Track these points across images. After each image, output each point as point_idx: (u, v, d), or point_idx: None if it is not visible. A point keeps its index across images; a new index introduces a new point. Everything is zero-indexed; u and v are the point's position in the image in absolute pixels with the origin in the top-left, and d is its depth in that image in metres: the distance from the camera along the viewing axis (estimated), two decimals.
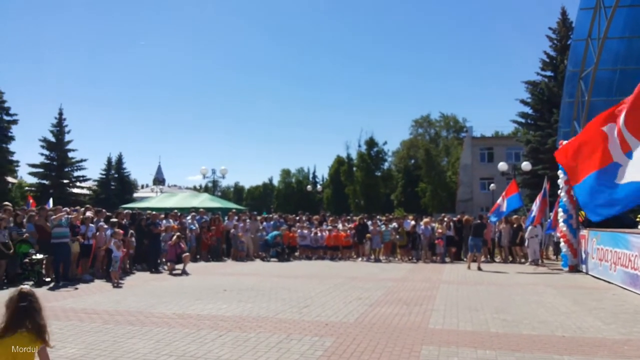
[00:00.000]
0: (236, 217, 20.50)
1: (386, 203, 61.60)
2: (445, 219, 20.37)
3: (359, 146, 61.74)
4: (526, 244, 17.69)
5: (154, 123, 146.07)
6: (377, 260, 19.16)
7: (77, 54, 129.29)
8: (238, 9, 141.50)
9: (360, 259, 19.60)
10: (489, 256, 19.10)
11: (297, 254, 20.20)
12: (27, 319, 3.12)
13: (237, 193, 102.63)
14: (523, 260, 18.33)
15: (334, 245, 19.95)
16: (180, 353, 6.19)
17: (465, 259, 18.24)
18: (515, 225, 18.61)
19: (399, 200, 64.73)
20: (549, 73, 35.86)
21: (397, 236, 19.51)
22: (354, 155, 63.12)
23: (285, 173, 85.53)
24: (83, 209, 15.70)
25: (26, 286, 3.28)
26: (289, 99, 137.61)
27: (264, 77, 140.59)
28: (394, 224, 19.97)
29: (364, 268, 16.73)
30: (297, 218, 22.38)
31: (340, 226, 20.99)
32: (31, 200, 21.96)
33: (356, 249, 20.18)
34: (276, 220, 21.85)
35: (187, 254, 15.70)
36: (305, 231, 20.32)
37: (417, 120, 74.87)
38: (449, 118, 74.05)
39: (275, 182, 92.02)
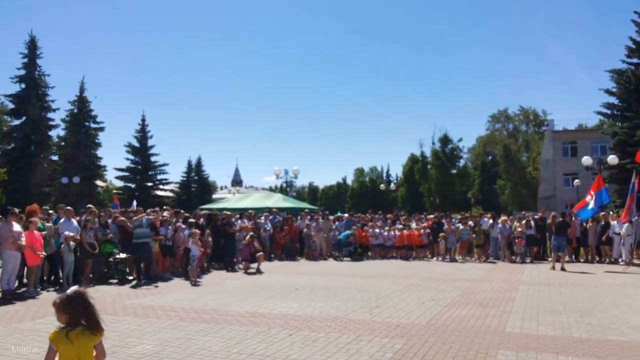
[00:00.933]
0: (309, 217, 20.64)
1: (462, 201, 60.00)
2: (526, 217, 19.45)
3: (433, 144, 60.61)
4: (621, 242, 16.41)
5: (232, 126, 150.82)
6: (453, 260, 18.61)
7: (157, 61, 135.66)
8: (310, 10, 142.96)
9: (434, 258, 19.13)
10: (573, 256, 18.05)
11: (369, 253, 20.02)
12: (83, 316, 3.23)
13: (311, 193, 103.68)
14: (612, 259, 17.15)
15: (407, 245, 19.60)
16: (249, 351, 6.26)
17: (548, 259, 17.31)
18: (602, 223, 17.45)
19: (476, 198, 62.90)
20: (635, 60, 33.39)
21: (474, 235, 18.87)
22: (428, 153, 62.08)
23: (359, 172, 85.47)
24: (162, 210, 16.35)
25: (76, 286, 3.39)
26: (361, 98, 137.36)
27: (337, 77, 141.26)
28: (470, 223, 19.32)
29: (439, 268, 16.30)
30: (370, 217, 22.17)
31: (413, 225, 20.58)
32: (117, 202, 23.08)
33: (430, 249, 19.72)
34: (348, 219, 21.76)
35: (261, 253, 15.98)
36: (378, 230, 20.11)
37: (494, 115, 72.24)
38: (529, 111, 70.81)
39: (349, 181, 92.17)
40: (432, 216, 21.83)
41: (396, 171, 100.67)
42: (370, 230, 20.01)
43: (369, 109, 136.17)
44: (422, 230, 19.70)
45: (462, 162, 64.57)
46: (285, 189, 38.04)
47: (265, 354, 6.16)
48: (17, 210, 11.15)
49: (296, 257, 19.51)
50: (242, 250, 16.02)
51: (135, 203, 19.47)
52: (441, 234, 18.94)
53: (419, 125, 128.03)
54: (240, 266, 15.77)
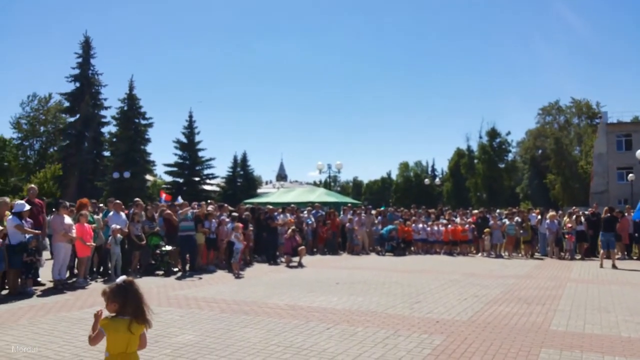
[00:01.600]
0: (351, 211, 20.61)
1: (511, 196, 58.53)
2: (576, 212, 18.80)
3: (480, 137, 59.31)
4: None
5: (277, 121, 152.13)
6: (499, 256, 18.21)
7: (204, 57, 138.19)
8: (351, 2, 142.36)
9: (479, 254, 18.76)
10: (626, 253, 17.32)
11: (412, 248, 19.83)
12: (132, 305, 3.33)
13: (355, 188, 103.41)
14: None
15: (451, 240, 19.31)
16: (287, 344, 6.31)
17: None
18: None
19: (525, 193, 61.26)
20: None
21: (521, 231, 18.38)
22: (474, 147, 60.80)
23: (404, 166, 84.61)
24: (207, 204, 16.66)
25: (125, 276, 3.50)
26: (406, 91, 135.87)
27: (381, 69, 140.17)
28: (517, 218, 18.83)
29: (483, 264, 15.97)
30: (413, 212, 21.95)
31: (458, 220, 20.23)
32: (164, 195, 23.50)
33: (475, 244, 19.36)
34: (391, 213, 21.60)
35: (303, 247, 16.09)
36: (421, 225, 19.88)
37: (544, 107, 70.01)
38: (581, 103, 68.21)
39: (394, 176, 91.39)
40: (476, 211, 21.38)
41: (442, 165, 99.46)
42: (413, 225, 19.80)
43: (414, 102, 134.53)
44: (466, 226, 19.35)
45: (510, 156, 62.98)
46: (329, 184, 38.02)
47: (303, 346, 6.20)
48: (68, 203, 11.62)
49: (338, 251, 19.53)
50: (284, 244, 16.17)
51: (180, 197, 19.89)
52: (486, 230, 18.55)
53: (465, 118, 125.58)
54: (283, 259, 15.92)
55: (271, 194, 35.89)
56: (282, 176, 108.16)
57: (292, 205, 20.65)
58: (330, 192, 32.05)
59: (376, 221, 20.61)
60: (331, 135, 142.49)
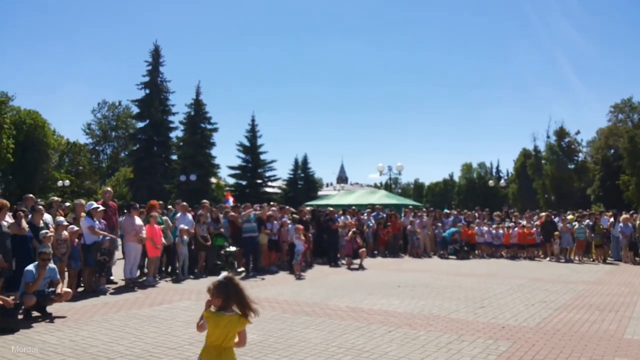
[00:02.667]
0: (412, 214, 20.37)
1: (581, 198, 55.86)
2: None
3: (548, 137, 57.00)
4: None
5: (337, 123, 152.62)
6: (568, 260, 17.45)
7: (266, 61, 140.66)
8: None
9: (547, 258, 18.05)
10: None
11: (476, 251, 19.34)
12: (234, 301, 3.47)
13: (416, 190, 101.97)
14: None
15: (517, 244, 18.69)
16: (348, 345, 6.33)
17: None
18: None
19: (596, 195, 58.33)
20: None
21: (592, 234, 17.54)
22: (542, 147, 58.51)
23: (467, 168, 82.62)
24: (269, 206, 16.97)
25: (226, 273, 3.62)
26: (468, 90, 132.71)
27: (443, 67, 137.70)
28: (588, 221, 17.99)
29: (552, 269, 15.36)
30: (477, 214, 21.42)
31: (524, 223, 19.56)
32: (231, 198, 23.81)
33: (543, 248, 18.63)
34: (454, 216, 21.18)
35: (364, 249, 16.08)
36: (485, 228, 19.37)
37: (616, 104, 66.36)
38: None
39: (456, 177, 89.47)
40: (544, 214, 20.59)
41: (507, 167, 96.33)
42: (477, 227, 19.32)
43: (477, 101, 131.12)
44: (533, 229, 18.67)
45: (580, 156, 60.21)
46: (390, 186, 37.75)
47: (364, 349, 6.20)
48: (138, 205, 12.17)
49: (399, 254, 19.35)
50: (344, 246, 16.21)
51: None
52: (555, 233, 17.81)
53: (531, 118, 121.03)
54: (343, 262, 15.96)
55: (332, 196, 36.05)
56: (342, 178, 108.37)
57: (353, 207, 20.67)
58: (391, 194, 31.82)
59: (439, 223, 20.24)
60: (392, 137, 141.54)
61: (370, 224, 19.05)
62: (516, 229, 18.86)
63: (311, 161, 67.58)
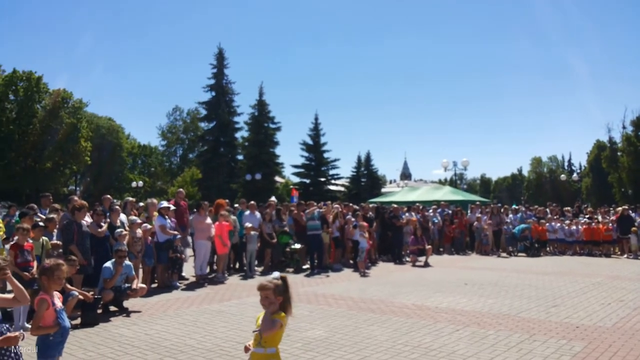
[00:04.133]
0: (479, 210, 19.86)
1: None
2: None
3: (624, 127, 53.81)
4: None
5: (400, 119, 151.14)
6: None
7: (328, 61, 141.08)
8: None
9: (624, 255, 17.08)
10: None
11: (548, 248, 18.59)
12: (289, 300, 3.56)
13: (483, 185, 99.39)
14: None
15: (591, 240, 17.81)
16: (415, 343, 6.27)
17: None
18: None
19: None
20: None
21: None
22: (617, 139, 55.37)
23: (536, 162, 79.59)
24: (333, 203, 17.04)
25: (278, 272, 3.68)
26: (537, 79, 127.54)
27: (510, 60, 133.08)
28: None
29: (630, 266, 14.53)
30: (547, 210, 20.56)
31: (599, 218, 18.60)
32: (296, 195, 23.84)
33: (619, 245, 17.65)
34: (524, 212, 20.45)
35: (429, 246, 15.85)
36: (557, 224, 18.57)
37: None
38: None
39: (525, 172, 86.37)
40: (620, 208, 19.49)
41: (579, 160, 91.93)
42: (548, 224, 18.56)
43: (547, 90, 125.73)
44: (609, 224, 17.73)
45: None
46: (455, 182, 36.98)
47: (431, 347, 6.13)
48: (207, 204, 12.59)
49: (466, 251, 18.92)
50: (409, 243, 16.03)
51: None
52: (633, 229, 16.84)
53: (605, 108, 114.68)
54: (408, 259, 15.80)
55: (395, 192, 35.74)
56: (406, 175, 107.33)
57: (417, 204, 20.39)
58: (457, 190, 31.14)
59: (507, 220, 19.61)
60: (456, 132, 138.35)
61: (436, 221, 18.73)
62: (592, 224, 17.97)
63: (374, 158, 67.58)
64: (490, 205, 23.21)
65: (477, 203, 22.59)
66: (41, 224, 8.70)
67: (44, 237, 8.46)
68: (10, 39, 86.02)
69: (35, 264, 7.54)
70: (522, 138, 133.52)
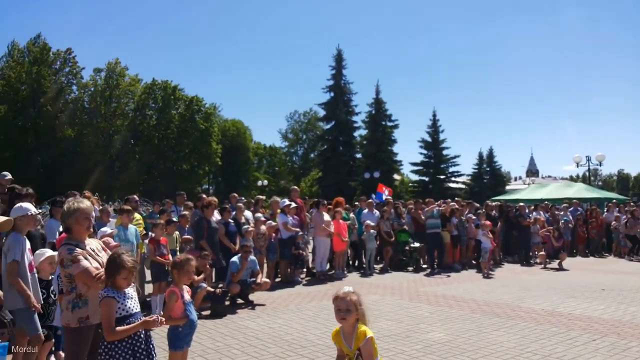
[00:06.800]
0: (617, 209, 18.13)
1: None
2: None
3: None
4: None
5: (525, 112, 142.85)
6: None
7: (446, 57, 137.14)
8: None
9: None
10: None
11: None
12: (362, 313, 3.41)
13: (620, 182, 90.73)
14: None
15: None
16: (546, 352, 5.86)
17: None
18: None
19: None
20: None
21: None
22: None
23: None
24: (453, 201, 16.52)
25: (350, 287, 3.47)
26: None
27: None
28: None
29: None
30: None
31: None
32: (385, 192, 21.35)
33: None
34: None
35: (564, 252, 14.72)
36: None
37: None
38: None
39: None
40: None
41: None
42: None
43: None
44: None
45: None
46: (589, 178, 34.06)
47: (564, 357, 5.69)
48: (325, 201, 12.81)
49: (603, 253, 17.37)
50: (538, 244, 15.06)
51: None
52: None
53: None
54: (536, 260, 14.85)
55: (521, 190, 33.74)
56: (532, 171, 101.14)
57: (546, 202, 19.09)
58: (591, 187, 28.69)
59: None
60: (588, 124, 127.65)
61: (567, 220, 17.39)
62: None
63: (497, 154, 64.41)
64: (630, 203, 21.10)
65: (614, 201, 20.61)
66: (175, 219, 9.44)
67: (176, 232, 9.16)
68: (145, 49, 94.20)
69: (170, 257, 8.16)
70: None
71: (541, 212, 16.85)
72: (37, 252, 5.38)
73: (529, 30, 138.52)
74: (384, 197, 17.23)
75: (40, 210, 8.27)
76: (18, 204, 5.19)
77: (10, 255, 4.73)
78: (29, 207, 5.13)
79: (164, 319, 3.81)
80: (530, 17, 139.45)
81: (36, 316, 4.80)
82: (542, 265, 14.07)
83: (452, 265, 13.63)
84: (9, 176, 9.28)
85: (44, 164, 43.94)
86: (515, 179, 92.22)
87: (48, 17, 78.44)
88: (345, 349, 3.38)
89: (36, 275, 5.03)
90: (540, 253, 14.59)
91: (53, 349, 5.54)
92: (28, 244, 4.97)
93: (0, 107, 43.41)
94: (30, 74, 43.47)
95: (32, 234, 5.55)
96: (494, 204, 17.46)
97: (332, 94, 49.92)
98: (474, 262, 14.15)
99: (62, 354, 5.23)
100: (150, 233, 8.92)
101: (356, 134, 51.21)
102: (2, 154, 41.28)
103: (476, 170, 57.14)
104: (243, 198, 15.87)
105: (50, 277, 5.37)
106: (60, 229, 6.20)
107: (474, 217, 14.60)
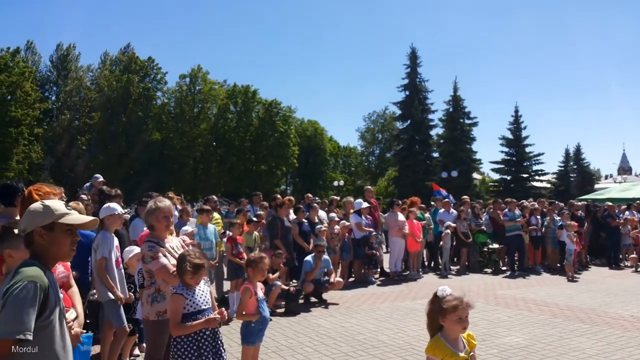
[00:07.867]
0: None
1: None
2: None
3: None
4: None
5: (616, 106, 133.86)
6: None
7: (530, 52, 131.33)
8: None
9: None
10: None
11: None
12: None
13: None
14: None
15: None
16: None
17: None
18: None
19: None
20: None
21: None
22: None
23: None
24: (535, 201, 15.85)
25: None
26: None
27: None
28: None
29: None
30: None
31: None
32: (442, 190, 20.56)
33: None
34: None
35: None
36: None
37: None
38: None
39: None
40: None
41: None
42: None
43: None
44: None
45: None
46: None
47: None
48: (400, 201, 12.72)
49: None
50: (630, 246, 14.12)
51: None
52: None
53: None
54: (627, 263, 13.93)
55: (611, 189, 31.70)
56: (624, 169, 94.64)
57: (638, 201, 17.85)
58: None
59: None
60: None
61: None
62: None
63: (585, 151, 60.85)
64: None
65: None
66: (254, 219, 9.76)
67: (255, 232, 9.44)
68: (222, 55, 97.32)
69: (245, 255, 8.43)
70: None
71: (634, 212, 15.78)
72: (126, 249, 5.79)
73: (619, 19, 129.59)
74: (443, 193, 16.82)
75: (126, 210, 8.84)
76: (106, 204, 5.60)
77: (99, 252, 5.12)
78: (116, 207, 5.52)
79: (226, 315, 3.94)
80: (619, 3, 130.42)
81: (122, 310, 5.16)
82: (634, 269, 13.20)
83: (534, 268, 13.08)
84: (101, 178, 10.11)
85: (133, 167, 46.67)
86: (606, 177, 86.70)
87: (134, 26, 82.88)
88: (455, 356, 3.11)
89: (122, 271, 5.40)
90: (632, 256, 13.70)
91: (137, 341, 5.94)
92: (116, 241, 5.36)
93: (95, 114, 46.68)
94: (120, 82, 46.39)
95: (119, 232, 5.96)
96: (579, 203, 16.56)
97: (407, 93, 49.35)
98: (558, 265, 13.51)
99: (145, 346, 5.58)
100: (227, 232, 9.26)
101: (433, 132, 50.31)
102: (96, 158, 44.47)
103: (562, 169, 54.39)
104: (317, 198, 16.09)
105: None
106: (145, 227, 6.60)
107: (558, 218, 13.92)
